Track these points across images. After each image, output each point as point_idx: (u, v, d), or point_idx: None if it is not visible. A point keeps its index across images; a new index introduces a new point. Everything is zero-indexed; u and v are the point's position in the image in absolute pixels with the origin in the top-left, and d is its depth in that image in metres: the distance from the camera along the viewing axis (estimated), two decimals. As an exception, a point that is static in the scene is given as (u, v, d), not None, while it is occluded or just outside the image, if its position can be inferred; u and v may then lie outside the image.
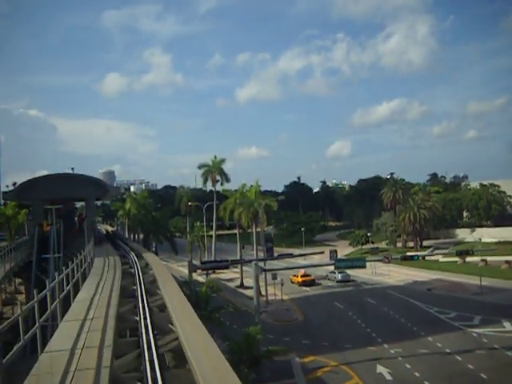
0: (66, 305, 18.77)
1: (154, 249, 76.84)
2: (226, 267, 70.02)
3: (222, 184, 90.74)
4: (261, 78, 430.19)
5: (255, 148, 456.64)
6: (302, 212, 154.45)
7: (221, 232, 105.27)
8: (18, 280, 63.26)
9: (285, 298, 66.33)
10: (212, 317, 35.49)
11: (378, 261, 62.89)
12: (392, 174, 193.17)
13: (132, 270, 32.41)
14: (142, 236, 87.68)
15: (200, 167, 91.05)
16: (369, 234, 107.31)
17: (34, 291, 14.25)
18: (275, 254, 72.37)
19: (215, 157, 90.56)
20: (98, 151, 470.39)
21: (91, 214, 55.23)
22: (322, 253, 73.59)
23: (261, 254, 71.98)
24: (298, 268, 77.26)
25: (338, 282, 77.73)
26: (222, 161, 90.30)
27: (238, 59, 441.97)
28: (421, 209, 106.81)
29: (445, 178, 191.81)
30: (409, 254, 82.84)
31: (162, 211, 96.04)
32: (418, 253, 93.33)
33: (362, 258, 49.90)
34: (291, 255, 72.46)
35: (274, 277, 65.79)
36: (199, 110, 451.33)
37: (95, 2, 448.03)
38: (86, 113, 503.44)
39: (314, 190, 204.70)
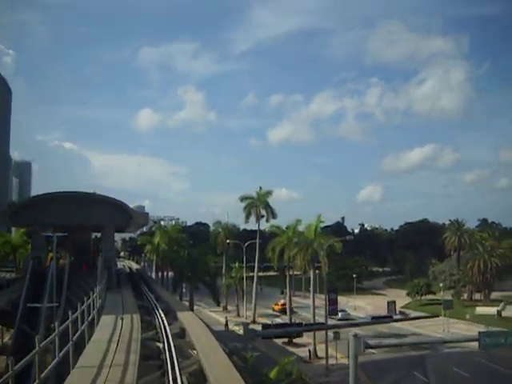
0: None
1: (181, 295, 62.36)
2: (298, 335, 52.98)
3: (267, 220, 76.68)
4: (293, 119, 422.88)
5: (285, 190, 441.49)
6: (345, 256, 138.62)
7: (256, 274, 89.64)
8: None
9: (346, 361, 51.58)
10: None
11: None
12: (425, 219, 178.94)
13: (160, 346, 18.74)
14: (171, 275, 73.36)
15: (242, 200, 77.28)
16: (441, 285, 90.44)
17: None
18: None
19: (260, 188, 76.90)
20: (129, 186, 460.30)
21: (109, 247, 40.96)
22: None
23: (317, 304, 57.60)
24: (419, 344, 53.36)
25: (338, 320, 74.09)
26: (269, 193, 76.46)
27: (271, 100, 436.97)
28: (492, 256, 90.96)
29: (496, 224, 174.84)
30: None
31: (199, 248, 78.41)
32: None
33: (520, 332, 34.49)
34: (390, 318, 55.65)
35: (337, 336, 51.24)
36: (231, 148, 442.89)
37: (133, 39, 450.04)
38: (118, 147, 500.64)
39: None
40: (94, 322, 20.29)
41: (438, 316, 76.63)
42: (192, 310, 55.91)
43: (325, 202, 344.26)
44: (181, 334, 21.28)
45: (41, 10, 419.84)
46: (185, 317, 24.56)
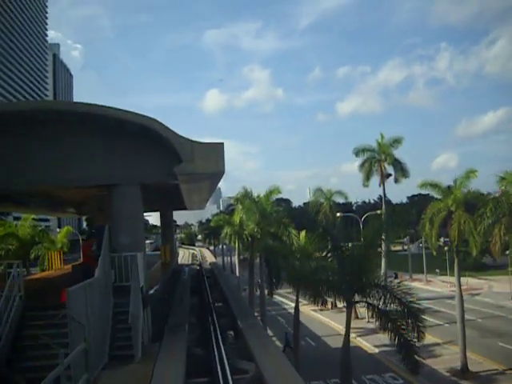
0: None
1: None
2: None
3: (396, 180, 50.53)
4: (361, 90, 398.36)
5: (358, 162, 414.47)
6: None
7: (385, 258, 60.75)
8: None
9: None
10: None
11: None
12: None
13: None
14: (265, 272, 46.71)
15: (357, 153, 51.46)
16: None
17: None
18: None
19: (382, 136, 50.92)
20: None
21: (125, 238, 14.84)
22: None
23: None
24: None
25: None
26: (397, 141, 50.03)
27: (338, 72, 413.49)
28: None
29: None
30: None
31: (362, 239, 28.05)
32: None
33: None
34: None
35: None
36: (300, 125, 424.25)
37: (197, 22, 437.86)
38: (187, 131, 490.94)
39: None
40: None
41: None
42: None
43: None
44: None
45: (103, 4, 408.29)
46: None
